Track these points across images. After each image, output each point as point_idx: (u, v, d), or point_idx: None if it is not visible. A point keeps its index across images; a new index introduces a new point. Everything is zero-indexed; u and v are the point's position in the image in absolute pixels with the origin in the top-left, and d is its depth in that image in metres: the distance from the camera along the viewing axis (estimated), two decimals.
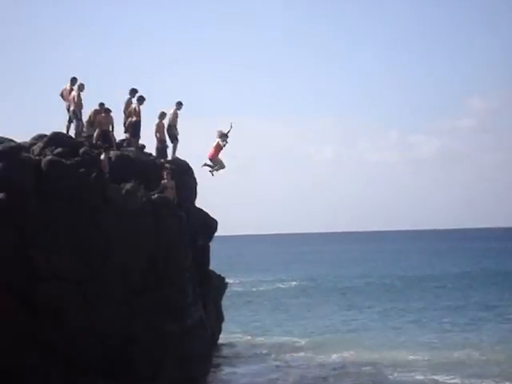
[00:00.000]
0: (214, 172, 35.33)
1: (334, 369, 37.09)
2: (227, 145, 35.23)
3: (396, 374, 35.76)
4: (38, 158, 30.69)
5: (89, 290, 29.31)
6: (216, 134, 35.27)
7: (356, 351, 41.52)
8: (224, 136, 35.08)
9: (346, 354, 40.70)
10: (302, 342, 45.80)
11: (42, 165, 30.08)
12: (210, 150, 35.25)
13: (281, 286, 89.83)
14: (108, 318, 29.23)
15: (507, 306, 62.90)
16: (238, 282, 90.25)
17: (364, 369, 37.10)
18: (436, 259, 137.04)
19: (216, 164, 35.21)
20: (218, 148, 35.17)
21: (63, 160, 30.47)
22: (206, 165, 35.36)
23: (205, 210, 38.78)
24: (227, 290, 44.90)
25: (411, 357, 39.63)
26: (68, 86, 34.96)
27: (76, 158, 31.04)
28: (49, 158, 30.41)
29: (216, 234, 40.21)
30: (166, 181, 32.40)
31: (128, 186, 31.11)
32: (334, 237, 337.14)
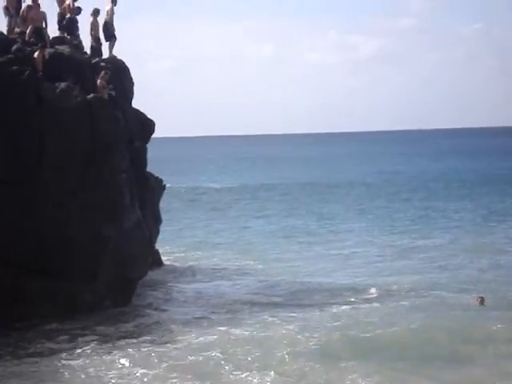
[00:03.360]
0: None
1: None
2: None
3: None
4: None
5: (24, 192, 28.76)
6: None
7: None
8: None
9: None
10: None
11: None
12: None
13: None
14: (44, 218, 28.83)
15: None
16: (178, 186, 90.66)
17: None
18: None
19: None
20: None
21: None
22: None
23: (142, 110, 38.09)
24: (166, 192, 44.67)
25: None
26: None
27: (8, 56, 30.10)
28: None
29: (157, 136, 39.80)
30: (102, 80, 31.64)
31: (62, 85, 30.31)
32: (271, 139, 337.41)
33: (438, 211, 63.66)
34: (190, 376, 23.21)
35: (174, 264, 42.82)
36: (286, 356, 24.64)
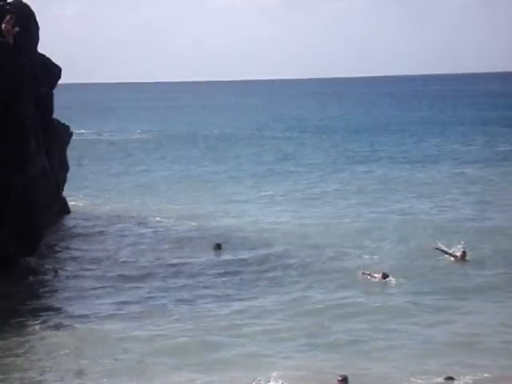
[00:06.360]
0: None
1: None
2: None
3: None
4: None
5: None
6: None
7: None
8: None
9: None
10: None
11: None
12: None
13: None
14: None
15: None
16: (91, 131, 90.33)
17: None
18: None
19: None
20: None
21: None
22: None
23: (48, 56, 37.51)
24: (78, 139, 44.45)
25: None
26: None
27: None
28: None
29: (64, 82, 39.26)
30: (7, 25, 30.87)
31: None
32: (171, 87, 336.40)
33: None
34: None
35: (84, 211, 42.89)
36: None
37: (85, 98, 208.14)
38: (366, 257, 31.79)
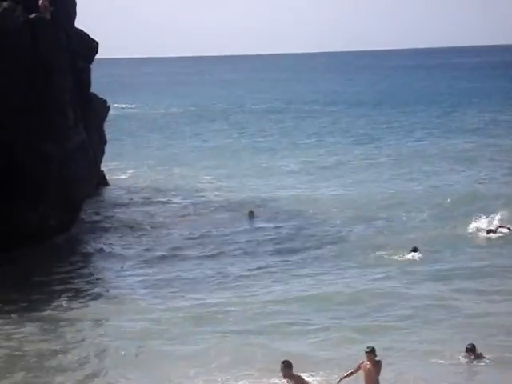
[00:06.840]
0: None
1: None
2: None
3: None
4: None
5: None
6: None
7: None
8: None
9: None
10: None
11: None
12: None
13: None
14: None
15: None
16: (125, 105, 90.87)
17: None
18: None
19: None
20: None
21: None
22: None
23: (85, 30, 37.76)
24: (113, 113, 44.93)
25: None
26: None
27: None
28: None
29: (99, 57, 39.53)
30: (43, 1, 31.21)
31: (5, 4, 29.90)
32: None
33: None
34: None
35: (122, 183, 43.51)
36: None
37: (112, 73, 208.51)
38: (402, 229, 32.03)
